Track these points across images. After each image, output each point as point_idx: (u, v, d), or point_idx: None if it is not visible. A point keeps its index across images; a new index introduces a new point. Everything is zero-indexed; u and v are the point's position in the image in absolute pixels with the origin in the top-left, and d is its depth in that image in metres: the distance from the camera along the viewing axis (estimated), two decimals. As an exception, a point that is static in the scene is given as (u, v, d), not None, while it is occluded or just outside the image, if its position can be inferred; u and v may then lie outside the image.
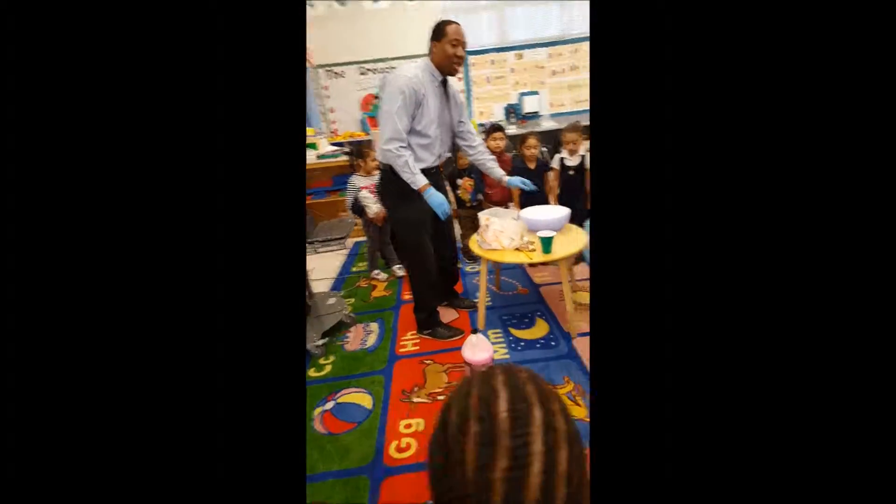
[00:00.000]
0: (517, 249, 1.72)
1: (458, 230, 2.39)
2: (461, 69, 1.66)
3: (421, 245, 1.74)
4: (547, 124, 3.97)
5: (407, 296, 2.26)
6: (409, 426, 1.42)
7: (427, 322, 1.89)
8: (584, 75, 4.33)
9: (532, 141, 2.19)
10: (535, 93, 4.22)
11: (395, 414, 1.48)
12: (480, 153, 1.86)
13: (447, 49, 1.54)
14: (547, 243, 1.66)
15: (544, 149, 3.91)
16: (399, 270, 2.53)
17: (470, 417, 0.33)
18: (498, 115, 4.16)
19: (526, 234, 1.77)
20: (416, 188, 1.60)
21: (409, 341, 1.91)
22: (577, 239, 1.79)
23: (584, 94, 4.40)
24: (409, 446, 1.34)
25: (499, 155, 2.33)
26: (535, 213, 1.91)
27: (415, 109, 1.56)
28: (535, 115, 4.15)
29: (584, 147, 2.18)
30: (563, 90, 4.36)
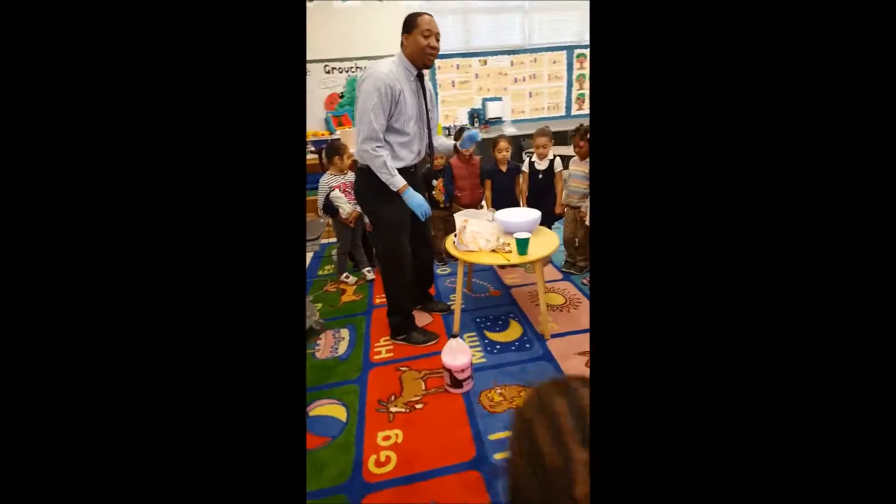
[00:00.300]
0: (493, 251, 1.71)
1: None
2: (435, 60, 1.59)
3: (399, 246, 1.68)
4: (509, 130, 4.04)
5: (379, 300, 2.19)
6: (387, 438, 1.36)
7: (402, 326, 1.83)
8: (543, 84, 4.48)
9: (504, 144, 2.21)
10: (499, 98, 4.30)
11: (372, 426, 1.41)
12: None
13: (419, 40, 1.49)
14: (523, 245, 1.67)
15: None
16: (369, 274, 2.44)
17: (569, 444, 0.30)
18: (463, 119, 4.19)
19: (501, 236, 1.76)
20: (394, 189, 1.55)
21: (383, 347, 1.84)
22: (549, 240, 1.82)
23: (543, 101, 4.55)
24: (388, 460, 1.28)
25: (468, 158, 2.33)
26: (508, 215, 1.92)
27: (391, 107, 1.51)
28: (498, 121, 4.22)
29: (552, 151, 2.23)
30: (523, 97, 4.48)
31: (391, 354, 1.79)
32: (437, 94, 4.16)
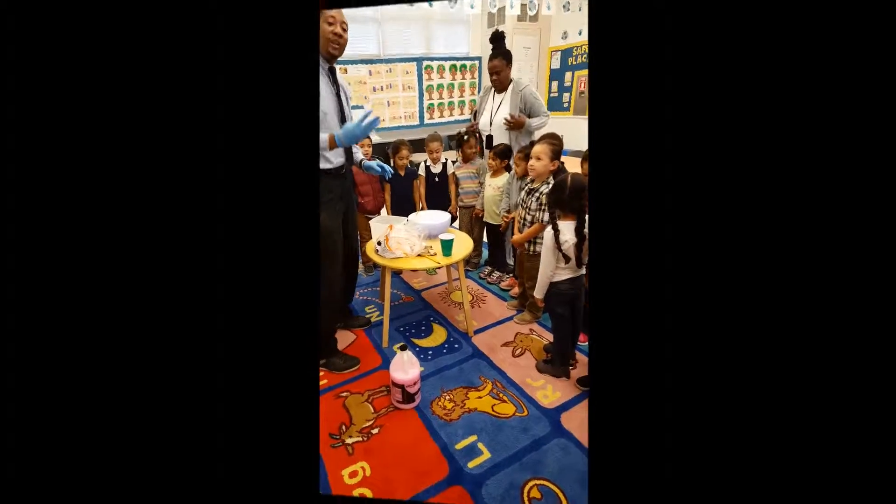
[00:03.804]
0: (420, 255, 1.70)
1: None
2: (342, 50, 1.49)
3: (333, 258, 1.51)
4: (374, 138, 4.02)
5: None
6: (354, 474, 1.21)
7: (322, 351, 1.64)
8: (399, 93, 4.62)
9: (404, 151, 2.21)
10: (361, 107, 4.24)
11: (333, 465, 1.24)
12: None
13: (324, 28, 1.41)
14: (448, 246, 1.71)
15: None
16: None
17: None
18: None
19: (424, 240, 1.76)
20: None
21: (306, 379, 1.62)
22: (464, 240, 1.90)
23: (400, 111, 4.68)
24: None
25: (361, 164, 2.25)
26: (423, 218, 1.93)
27: None
28: (361, 128, 4.15)
29: (444, 155, 2.34)
30: (382, 106, 4.53)
31: (325, 381, 1.59)
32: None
